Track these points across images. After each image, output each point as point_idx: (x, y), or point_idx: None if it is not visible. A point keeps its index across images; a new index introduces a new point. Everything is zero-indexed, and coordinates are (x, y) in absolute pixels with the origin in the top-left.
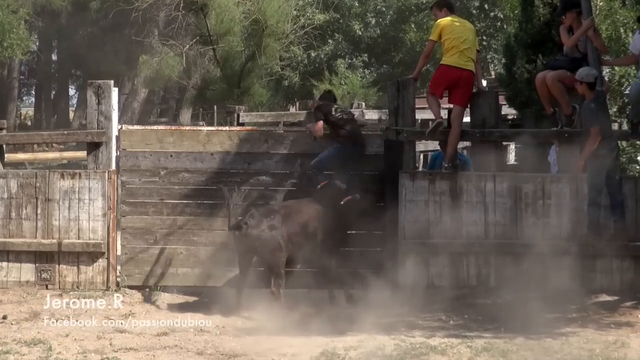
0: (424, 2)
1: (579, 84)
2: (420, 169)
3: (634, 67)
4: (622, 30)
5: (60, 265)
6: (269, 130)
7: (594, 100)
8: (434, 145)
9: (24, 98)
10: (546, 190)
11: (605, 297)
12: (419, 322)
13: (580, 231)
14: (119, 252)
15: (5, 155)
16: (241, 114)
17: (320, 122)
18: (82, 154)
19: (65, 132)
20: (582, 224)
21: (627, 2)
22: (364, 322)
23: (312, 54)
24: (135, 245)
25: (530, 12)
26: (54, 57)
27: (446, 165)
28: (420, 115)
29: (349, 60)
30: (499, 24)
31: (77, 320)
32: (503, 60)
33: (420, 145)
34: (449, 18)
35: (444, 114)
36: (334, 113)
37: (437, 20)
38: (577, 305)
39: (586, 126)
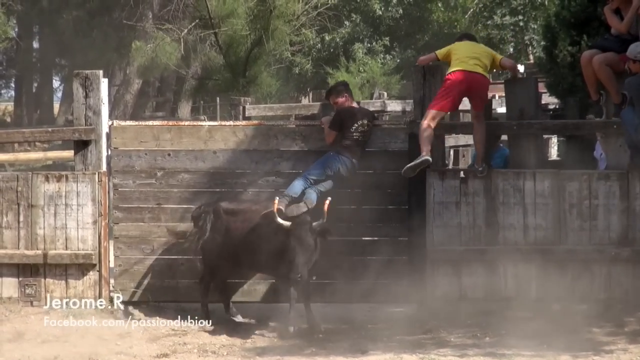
0: None
1: (632, 62)
2: (451, 166)
3: None
4: None
5: (47, 279)
6: (278, 124)
7: None
8: (465, 139)
9: (2, 91)
10: (593, 189)
11: None
12: (450, 339)
13: (632, 235)
14: (112, 264)
15: None
16: (247, 106)
17: (334, 134)
18: (68, 153)
19: (50, 129)
20: (634, 227)
21: None
22: (388, 340)
23: (327, 38)
24: (130, 255)
25: None
26: (35, 45)
27: (480, 169)
28: None
29: (368, 45)
30: (538, 1)
31: (66, 341)
32: (543, 43)
33: (450, 140)
34: (463, 42)
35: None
36: (353, 130)
37: None
38: (630, 318)
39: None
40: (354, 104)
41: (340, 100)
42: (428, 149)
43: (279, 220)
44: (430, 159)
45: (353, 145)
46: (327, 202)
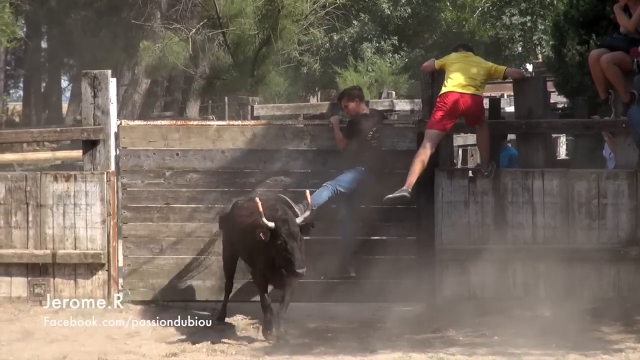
0: None
1: None
2: (459, 165)
3: None
4: None
5: (55, 279)
6: (287, 124)
7: None
8: (474, 138)
9: (10, 91)
10: (602, 188)
11: None
12: (459, 338)
13: None
14: (120, 264)
15: None
16: (255, 106)
17: (346, 142)
18: (77, 153)
19: (58, 129)
20: None
21: None
22: (397, 339)
23: (335, 37)
24: (139, 255)
25: None
26: (44, 45)
27: (486, 173)
28: None
29: (377, 44)
30: (547, 0)
31: (75, 341)
32: (551, 42)
33: (459, 139)
34: (460, 55)
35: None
36: (370, 137)
37: None
38: (638, 317)
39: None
40: (365, 110)
41: (351, 105)
42: (412, 181)
43: (264, 220)
44: (409, 195)
45: (374, 154)
46: (308, 192)
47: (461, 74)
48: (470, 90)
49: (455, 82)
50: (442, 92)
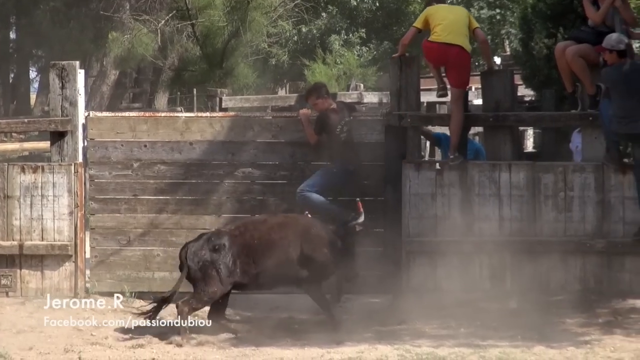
0: None
1: (609, 52)
2: (427, 157)
3: None
4: None
5: (22, 270)
6: (255, 116)
7: (622, 64)
8: (442, 131)
9: None
10: (568, 180)
11: (635, 300)
12: (425, 330)
13: (607, 226)
14: (87, 255)
15: None
16: (224, 98)
17: (316, 137)
18: (45, 144)
19: (26, 120)
20: (608, 219)
21: None
22: (364, 331)
23: (303, 30)
24: (106, 246)
25: None
26: (12, 36)
27: (452, 157)
28: (425, 98)
29: (345, 37)
30: None
31: (41, 332)
32: (519, 35)
33: None
34: (437, 5)
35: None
36: (338, 131)
37: None
38: (603, 309)
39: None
40: (333, 104)
41: (320, 101)
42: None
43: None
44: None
45: (344, 147)
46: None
47: (447, 22)
48: (458, 41)
49: (442, 30)
50: (429, 39)
